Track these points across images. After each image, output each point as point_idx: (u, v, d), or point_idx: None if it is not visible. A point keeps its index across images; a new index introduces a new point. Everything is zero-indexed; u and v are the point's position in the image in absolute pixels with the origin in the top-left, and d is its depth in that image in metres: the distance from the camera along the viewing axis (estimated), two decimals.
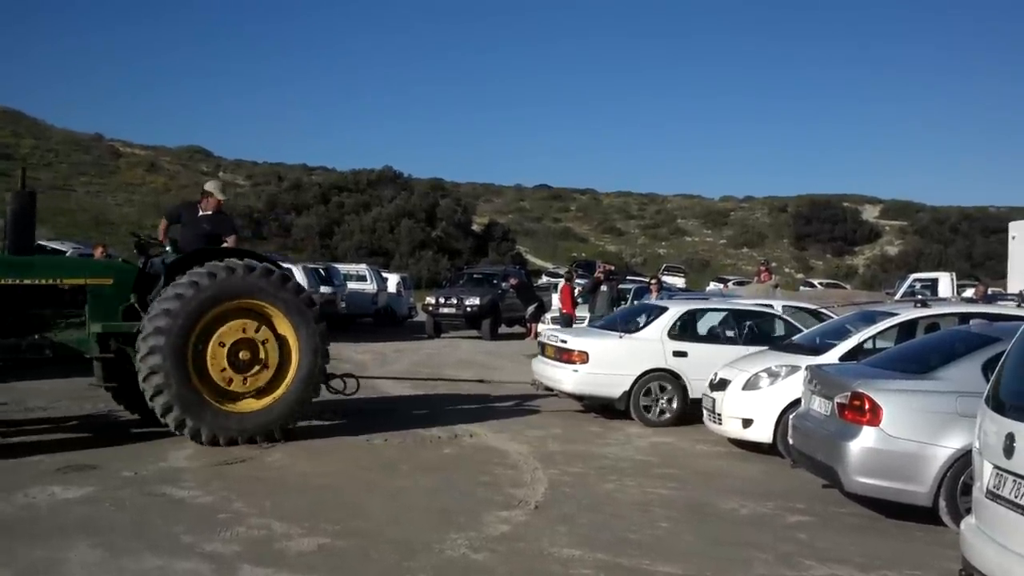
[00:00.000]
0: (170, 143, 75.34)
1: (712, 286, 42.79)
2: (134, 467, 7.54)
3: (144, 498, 6.64)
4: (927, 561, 5.96)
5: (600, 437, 10.11)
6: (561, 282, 21.34)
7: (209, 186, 9.65)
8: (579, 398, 11.29)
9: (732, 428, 9.30)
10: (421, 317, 26.06)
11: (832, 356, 8.89)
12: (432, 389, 13.40)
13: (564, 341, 11.12)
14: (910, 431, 6.58)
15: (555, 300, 23.89)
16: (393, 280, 27.74)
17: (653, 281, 17.35)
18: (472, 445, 9.31)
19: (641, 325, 11.30)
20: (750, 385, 9.12)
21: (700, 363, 10.66)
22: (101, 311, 8.31)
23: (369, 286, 25.71)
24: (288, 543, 5.70)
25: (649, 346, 10.85)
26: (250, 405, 8.58)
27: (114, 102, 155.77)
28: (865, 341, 9.15)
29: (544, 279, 39.53)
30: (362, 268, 26.88)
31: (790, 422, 8.05)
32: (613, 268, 17.45)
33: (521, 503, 7.00)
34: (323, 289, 21.85)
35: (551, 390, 11.50)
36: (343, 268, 26.13)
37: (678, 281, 45.64)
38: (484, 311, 23.04)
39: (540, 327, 21.49)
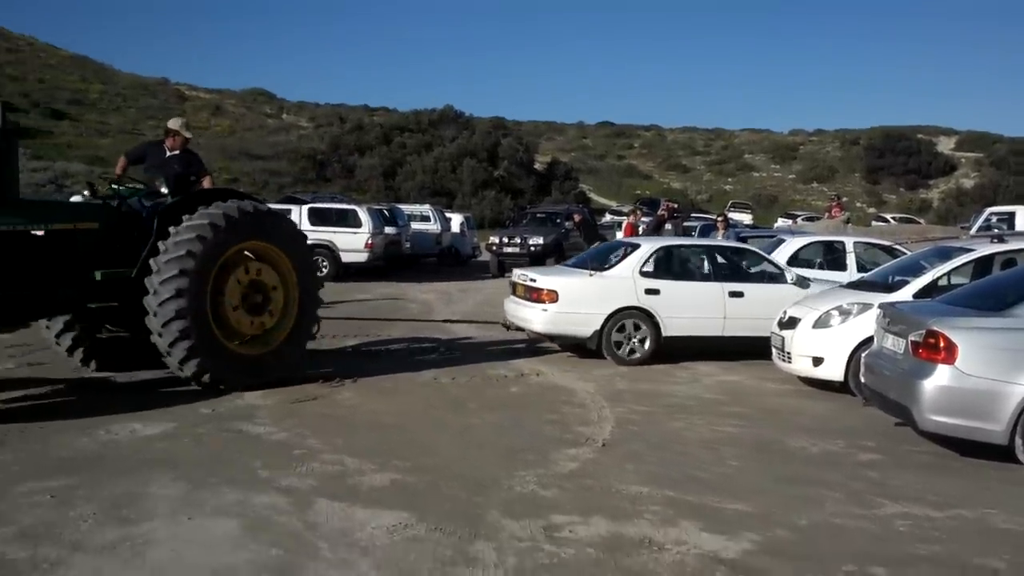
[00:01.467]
0: (234, 86, 75.84)
1: (780, 222, 42.02)
2: (211, 404, 7.77)
3: (221, 434, 6.85)
4: (1002, 500, 5.86)
5: (668, 375, 10.08)
6: (624, 220, 21.12)
7: (173, 123, 9.13)
8: (550, 337, 11.01)
9: (802, 366, 9.19)
10: (485, 256, 26.14)
11: (906, 293, 8.70)
12: (497, 328, 13.46)
13: (533, 280, 10.74)
14: (986, 369, 6.43)
15: (619, 238, 23.71)
16: (456, 220, 27.79)
17: (720, 219, 17.02)
18: (538, 384, 9.37)
19: (613, 263, 11.03)
20: (821, 323, 8.99)
21: (673, 301, 10.56)
22: (91, 257, 7.83)
23: (433, 226, 25.82)
24: (361, 478, 5.83)
25: (620, 284, 10.55)
26: (264, 345, 8.59)
27: (179, 46, 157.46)
28: (940, 278, 8.92)
29: (608, 217, 39.18)
30: (426, 209, 26.99)
31: (862, 360, 7.93)
32: (677, 206, 17.19)
33: (588, 441, 7.04)
34: (388, 230, 22.04)
35: (522, 329, 11.26)
36: (407, 209, 26.27)
37: (745, 218, 44.90)
38: (547, 250, 22.93)
39: None
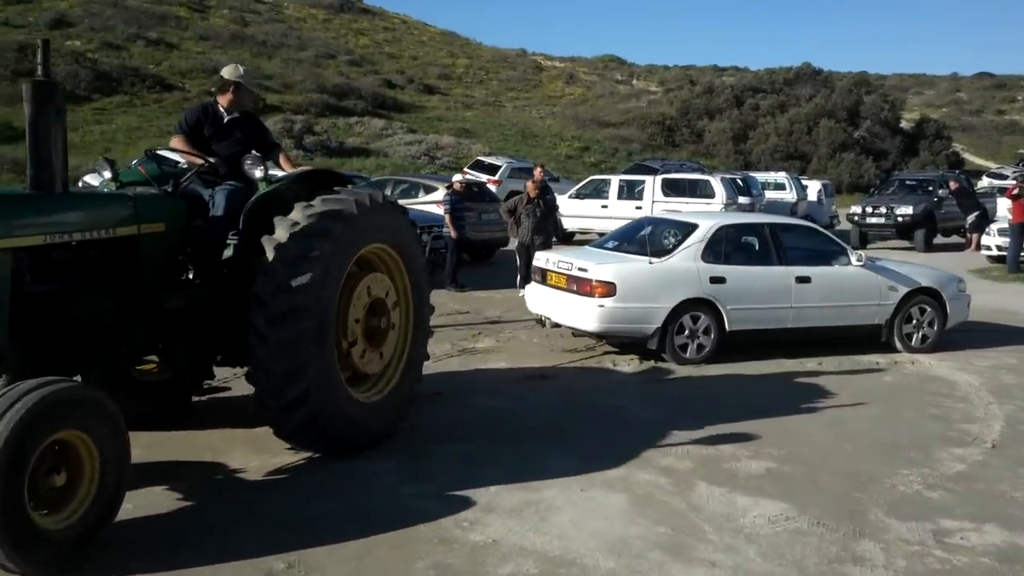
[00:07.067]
0: (587, 53, 78.10)
1: None
2: (582, 379, 8.29)
3: (598, 410, 7.30)
4: None
5: None
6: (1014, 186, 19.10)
7: (229, 72, 6.29)
8: (599, 336, 9.43)
9: None
10: (844, 226, 24.94)
11: None
12: None
13: (583, 269, 9.07)
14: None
15: (1000, 207, 21.56)
16: (814, 187, 26.70)
17: None
18: (915, 373, 8.93)
19: (669, 247, 9.44)
20: None
21: (739, 290, 9.13)
22: (158, 273, 5.40)
23: (788, 195, 25.02)
24: (736, 464, 5.98)
25: (683, 273, 9.09)
26: (373, 393, 6.21)
27: (537, 17, 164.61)
28: None
29: (984, 182, 35.60)
30: (781, 176, 26.20)
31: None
32: None
33: (976, 440, 6.67)
34: (741, 200, 21.73)
35: (559, 326, 9.65)
36: (761, 177, 25.66)
37: None
38: (917, 220, 21.45)
39: (984, 239, 19.65)
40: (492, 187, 22.24)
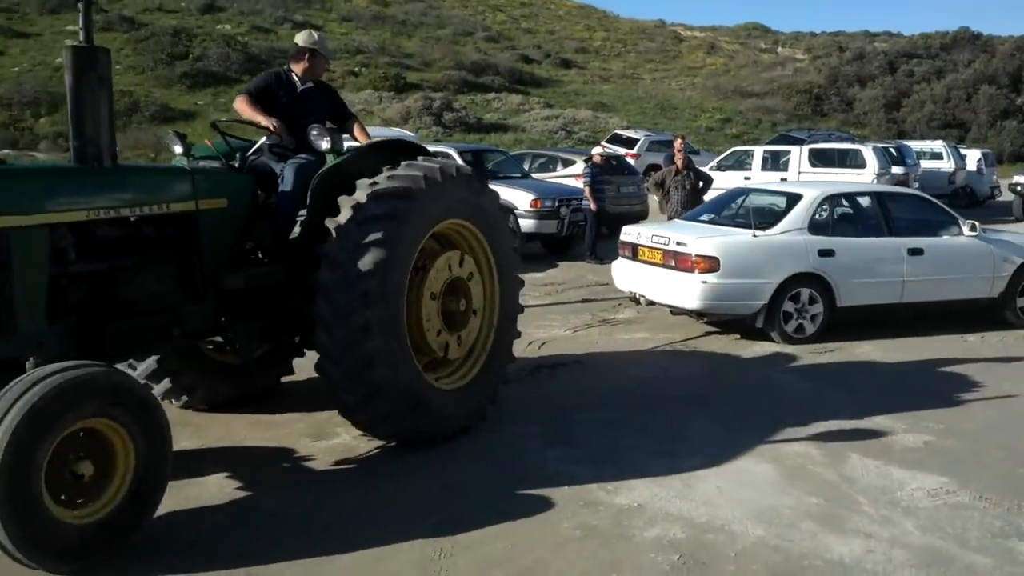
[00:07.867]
0: (728, 22, 76.02)
1: None
2: (726, 350, 8.15)
3: (743, 381, 7.17)
4: None
5: None
6: None
7: (303, 39, 5.91)
8: (700, 314, 8.86)
9: None
10: (1006, 197, 23.53)
11: None
12: None
13: (682, 243, 8.49)
14: None
15: None
16: (973, 156, 25.24)
17: None
18: None
19: (772, 219, 8.77)
20: None
21: (849, 264, 8.47)
22: (214, 250, 5.01)
23: (946, 164, 23.76)
24: (892, 437, 5.76)
25: (790, 246, 8.46)
26: (454, 380, 5.76)
27: None
28: None
29: None
30: (937, 145, 24.85)
31: None
32: None
33: None
34: (895, 170, 20.77)
35: (653, 304, 9.04)
36: (916, 145, 24.42)
37: None
38: None
39: None
40: (631, 160, 22.04)
